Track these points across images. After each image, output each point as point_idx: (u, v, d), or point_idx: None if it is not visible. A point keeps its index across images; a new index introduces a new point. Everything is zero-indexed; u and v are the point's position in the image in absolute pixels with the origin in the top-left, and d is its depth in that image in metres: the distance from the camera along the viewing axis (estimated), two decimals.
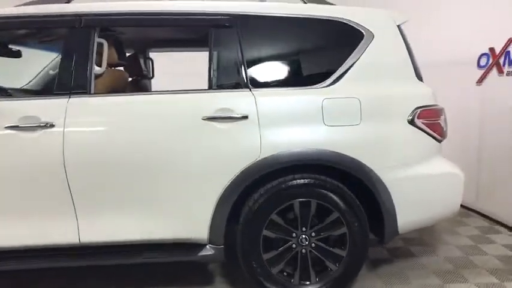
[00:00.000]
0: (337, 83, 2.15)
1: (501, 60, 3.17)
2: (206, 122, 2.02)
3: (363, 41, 2.20)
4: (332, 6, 2.29)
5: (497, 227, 3.28)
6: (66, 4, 2.10)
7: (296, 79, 2.22)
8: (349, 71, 2.16)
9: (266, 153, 2.03)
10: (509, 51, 3.10)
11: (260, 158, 2.03)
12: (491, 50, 3.26)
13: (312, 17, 2.21)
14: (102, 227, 2.06)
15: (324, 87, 2.14)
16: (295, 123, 2.07)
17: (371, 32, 2.20)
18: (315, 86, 2.14)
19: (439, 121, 2.21)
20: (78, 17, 2.06)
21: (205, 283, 2.42)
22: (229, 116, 2.03)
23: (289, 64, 2.26)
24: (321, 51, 2.27)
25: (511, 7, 3.03)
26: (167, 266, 2.57)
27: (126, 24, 2.20)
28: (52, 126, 1.96)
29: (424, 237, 3.06)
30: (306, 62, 2.26)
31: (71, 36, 2.06)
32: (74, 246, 2.07)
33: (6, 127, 1.95)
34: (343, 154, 2.06)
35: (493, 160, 3.31)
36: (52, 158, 1.96)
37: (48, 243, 2.05)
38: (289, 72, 2.25)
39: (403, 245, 2.93)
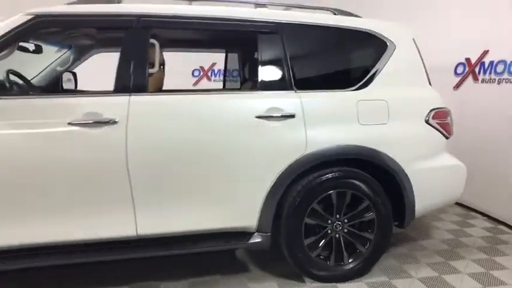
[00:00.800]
0: (367, 87, 2.44)
1: (476, 69, 3.69)
2: (258, 120, 2.21)
3: (387, 51, 2.51)
4: (360, 18, 2.58)
5: (472, 213, 3.80)
6: (125, 5, 2.16)
7: (331, 82, 2.47)
8: (377, 76, 2.46)
9: (311, 148, 2.27)
10: (484, 62, 3.61)
11: (306, 153, 2.26)
12: (467, 60, 3.77)
13: (343, 27, 2.47)
14: (159, 219, 2.16)
15: (355, 90, 2.42)
16: (335, 122, 2.33)
17: (393, 42, 2.52)
18: (348, 89, 2.42)
19: (447, 121, 2.59)
20: (136, 17, 2.14)
21: (243, 270, 2.60)
22: (278, 114, 2.23)
23: (325, 68, 2.51)
24: (352, 58, 2.55)
25: (486, 22, 3.53)
26: (196, 256, 2.71)
27: (178, 27, 2.29)
28: (115, 122, 2.03)
29: (416, 223, 3.47)
30: (338, 67, 2.53)
31: (130, 37, 2.13)
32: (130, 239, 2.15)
33: (69, 123, 1.98)
34: (376, 150, 2.35)
35: (468, 156, 3.81)
36: (115, 153, 2.03)
37: (105, 236, 2.11)
38: (326, 76, 2.50)
39: (403, 230, 3.31)
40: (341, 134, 2.32)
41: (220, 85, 4.21)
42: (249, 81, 2.52)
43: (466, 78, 3.81)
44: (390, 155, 2.39)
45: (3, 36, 1.99)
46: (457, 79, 3.89)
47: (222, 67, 5.95)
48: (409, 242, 3.10)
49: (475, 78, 3.71)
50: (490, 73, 3.56)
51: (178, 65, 5.78)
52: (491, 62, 3.54)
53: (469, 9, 3.71)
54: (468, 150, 3.79)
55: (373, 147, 2.36)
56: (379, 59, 2.49)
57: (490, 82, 3.56)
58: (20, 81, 2.30)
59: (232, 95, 2.29)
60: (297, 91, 2.32)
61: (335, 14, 2.58)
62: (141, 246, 2.15)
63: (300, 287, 2.40)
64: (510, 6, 3.30)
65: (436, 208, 2.73)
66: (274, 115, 2.23)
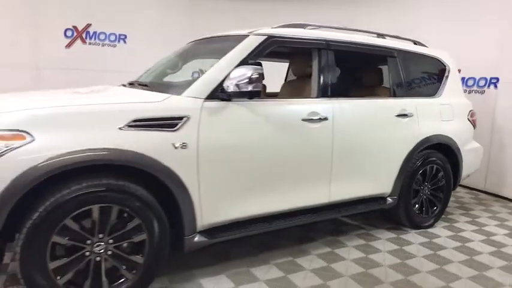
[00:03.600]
0: (441, 96, 3.64)
1: None
2: (397, 118, 3.20)
3: (446, 71, 3.75)
4: (430, 48, 3.75)
5: None
6: (319, 31, 2.90)
7: (423, 91, 3.58)
8: (444, 88, 3.68)
9: (422, 137, 3.35)
10: None
11: (419, 140, 3.34)
12: None
13: (424, 53, 3.63)
14: (342, 189, 2.97)
15: (435, 97, 3.60)
16: (431, 119, 3.47)
17: (448, 65, 3.77)
18: (432, 97, 3.58)
19: (475, 118, 3.96)
20: (326, 42, 2.90)
21: (359, 228, 3.53)
22: (406, 113, 3.26)
23: (419, 81, 3.60)
24: (430, 75, 3.70)
25: (457, 48, 5.06)
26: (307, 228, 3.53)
27: (346, 49, 3.07)
28: (327, 119, 2.77)
29: None
30: (426, 81, 3.65)
31: (322, 55, 2.87)
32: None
33: (302, 119, 2.66)
34: (450, 137, 3.56)
35: None
36: (326, 141, 2.78)
37: (312, 204, 2.83)
38: (420, 86, 3.59)
39: None
40: (435, 127, 3.47)
41: None
42: (380, 89, 3.49)
43: None
44: (455, 140, 3.63)
45: (249, 55, 2.52)
46: None
47: None
48: None
49: None
50: (462, 86, 5.16)
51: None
52: (463, 78, 5.15)
53: (444, 33, 5.22)
54: None
55: (449, 135, 3.56)
56: (443, 76, 3.72)
57: None
58: None
59: (383, 101, 3.22)
60: (410, 98, 3.37)
61: (415, 44, 3.70)
62: (328, 211, 2.93)
63: (407, 233, 3.46)
64: (476, 35, 4.90)
65: (467, 175, 4.08)
66: (403, 114, 3.24)
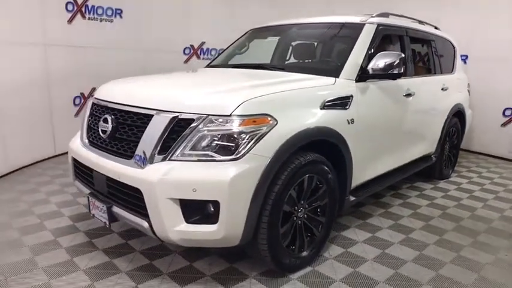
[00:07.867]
0: (455, 73, 4.53)
1: None
2: (442, 91, 3.98)
3: (454, 51, 4.64)
4: (442, 31, 4.55)
5: None
6: (404, 20, 3.43)
7: (446, 69, 4.39)
8: (455, 66, 4.57)
9: (452, 105, 4.21)
10: None
11: (451, 108, 4.19)
12: None
13: (443, 37, 4.43)
14: (418, 150, 3.68)
15: (452, 74, 4.47)
16: (454, 91, 4.34)
17: (455, 46, 4.67)
18: (451, 73, 4.44)
19: (470, 88, 4.97)
20: (405, 29, 3.46)
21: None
22: (444, 87, 4.05)
23: (444, 61, 4.39)
24: (447, 54, 4.53)
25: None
26: None
27: (414, 35, 3.64)
28: (414, 94, 3.38)
29: None
30: (446, 60, 4.47)
31: (407, 41, 3.44)
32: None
33: (403, 95, 3.24)
34: (462, 104, 4.50)
35: None
36: (412, 111, 3.42)
37: (405, 162, 3.49)
38: (443, 65, 4.39)
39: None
40: (457, 97, 4.36)
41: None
42: (422, 68, 4.20)
43: None
44: (464, 107, 4.58)
45: (372, 41, 2.95)
46: None
47: (210, 46, 6.71)
48: None
49: None
50: None
51: (171, 43, 6.22)
52: None
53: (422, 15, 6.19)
54: None
55: (461, 103, 4.49)
56: (453, 55, 4.60)
57: None
58: None
59: (434, 77, 3.95)
60: (443, 75, 4.17)
61: (436, 28, 4.48)
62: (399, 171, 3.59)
63: (439, 183, 4.34)
64: (451, 19, 5.94)
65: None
66: (445, 88, 4.03)
